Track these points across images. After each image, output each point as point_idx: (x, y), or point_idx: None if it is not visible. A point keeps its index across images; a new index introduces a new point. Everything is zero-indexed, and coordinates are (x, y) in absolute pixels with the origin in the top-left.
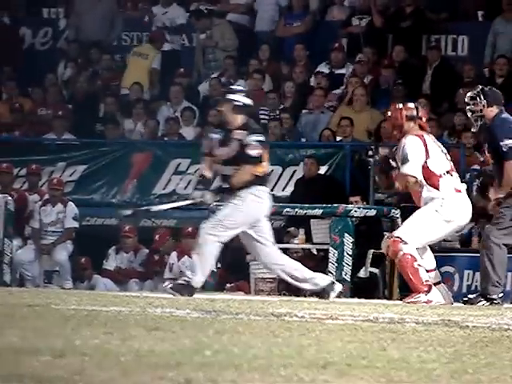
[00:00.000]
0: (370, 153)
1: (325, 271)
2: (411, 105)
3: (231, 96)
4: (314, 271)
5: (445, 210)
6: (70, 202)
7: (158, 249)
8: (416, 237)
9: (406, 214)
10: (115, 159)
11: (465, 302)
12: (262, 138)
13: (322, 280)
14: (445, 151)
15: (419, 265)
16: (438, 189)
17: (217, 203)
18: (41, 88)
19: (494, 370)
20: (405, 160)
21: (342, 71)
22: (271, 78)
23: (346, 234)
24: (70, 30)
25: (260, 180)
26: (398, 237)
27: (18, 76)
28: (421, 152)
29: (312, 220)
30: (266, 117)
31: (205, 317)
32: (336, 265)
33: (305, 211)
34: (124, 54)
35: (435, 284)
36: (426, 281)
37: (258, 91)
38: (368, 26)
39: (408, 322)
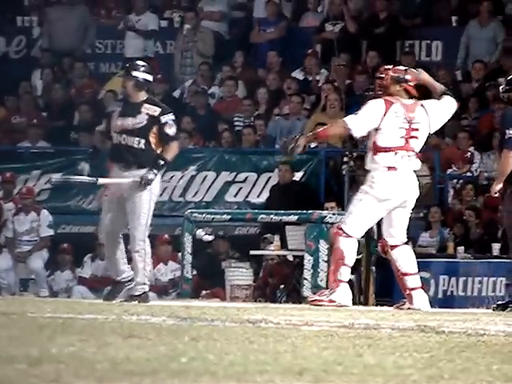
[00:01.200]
0: (345, 159)
1: (300, 277)
2: (400, 67)
3: (134, 73)
4: (290, 278)
5: (376, 189)
6: (44, 210)
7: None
8: (357, 226)
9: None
10: (90, 167)
11: (494, 309)
12: (173, 116)
13: None
14: (414, 127)
15: (345, 264)
16: (374, 161)
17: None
18: (15, 96)
19: (470, 376)
20: (354, 113)
21: (316, 77)
22: (245, 84)
23: (321, 240)
24: (44, 39)
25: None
26: (341, 228)
27: None
28: (374, 117)
29: (287, 226)
30: (241, 123)
31: (180, 324)
32: (311, 271)
33: (280, 218)
34: (98, 62)
35: (413, 289)
36: (340, 280)
37: (232, 97)
38: (342, 32)
39: (384, 327)
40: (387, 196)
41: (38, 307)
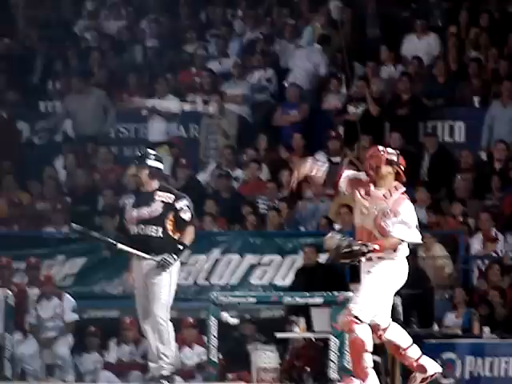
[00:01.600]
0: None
1: (326, 360)
2: (392, 150)
3: (149, 162)
4: (316, 360)
5: (399, 275)
6: (66, 295)
7: None
8: (371, 312)
9: (407, 300)
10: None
11: None
12: (188, 202)
13: None
14: None
15: (366, 350)
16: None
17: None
18: (39, 181)
19: None
20: (408, 225)
21: (339, 159)
22: (268, 166)
23: None
24: (66, 125)
25: None
26: (356, 316)
27: (16, 170)
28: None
29: (312, 308)
30: (265, 206)
31: None
32: (337, 353)
33: (305, 300)
34: (121, 146)
35: (419, 358)
36: (367, 367)
37: (256, 180)
38: (364, 114)
39: None
40: (402, 283)
41: None
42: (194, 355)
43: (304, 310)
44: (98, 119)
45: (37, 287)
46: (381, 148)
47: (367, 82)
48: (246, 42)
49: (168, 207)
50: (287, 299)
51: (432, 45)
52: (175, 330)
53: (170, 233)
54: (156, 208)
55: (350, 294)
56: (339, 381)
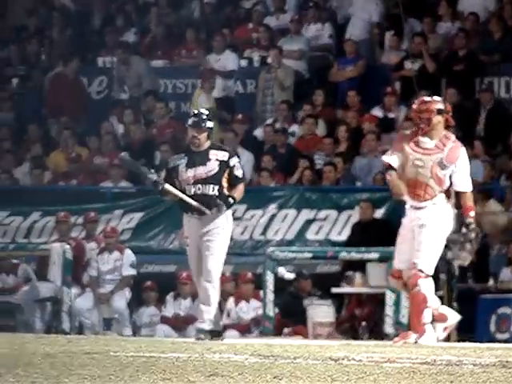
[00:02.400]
0: None
1: (382, 314)
2: (438, 98)
3: (208, 123)
4: (372, 315)
5: (449, 222)
6: (127, 250)
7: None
8: (433, 264)
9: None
10: (172, 206)
11: None
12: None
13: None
14: None
15: (427, 306)
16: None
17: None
18: (97, 136)
19: None
20: (468, 173)
21: (396, 115)
22: (325, 122)
23: None
24: (118, 82)
25: None
26: (421, 270)
27: (75, 125)
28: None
29: (368, 264)
30: (321, 161)
31: (263, 362)
32: (393, 308)
33: (361, 255)
34: (179, 101)
35: (426, 324)
36: (424, 323)
37: (312, 136)
38: (421, 70)
39: (466, 364)
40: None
41: (121, 346)
42: (250, 309)
43: (360, 266)
44: (140, 85)
45: (94, 241)
46: (428, 99)
47: (424, 37)
48: None
49: (223, 165)
50: (343, 254)
51: (488, 0)
52: (233, 285)
53: (225, 190)
54: (213, 167)
55: None
56: (396, 336)
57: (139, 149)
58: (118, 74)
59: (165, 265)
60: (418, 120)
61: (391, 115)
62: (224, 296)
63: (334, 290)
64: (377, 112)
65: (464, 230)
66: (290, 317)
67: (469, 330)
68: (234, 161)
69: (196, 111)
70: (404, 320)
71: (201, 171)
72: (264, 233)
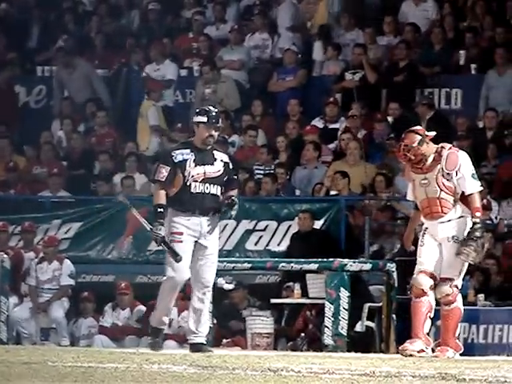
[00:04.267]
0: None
1: (321, 326)
2: (409, 136)
3: (220, 122)
4: (311, 326)
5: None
6: (66, 260)
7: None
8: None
9: (401, 267)
10: (110, 216)
11: None
12: None
13: None
14: None
15: (459, 321)
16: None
17: None
18: (35, 146)
19: None
20: (473, 175)
21: (336, 126)
22: (265, 133)
23: (341, 289)
24: (58, 90)
25: None
26: (456, 286)
27: (13, 134)
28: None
29: (308, 275)
30: (261, 172)
31: (201, 372)
32: (332, 319)
33: (300, 266)
34: (118, 110)
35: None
36: (458, 338)
37: (252, 146)
38: (361, 81)
39: (405, 375)
40: None
41: (59, 356)
42: None
43: (299, 276)
44: (86, 89)
45: (33, 251)
46: (403, 143)
47: (364, 48)
48: (243, 7)
49: (227, 167)
50: (282, 265)
51: (429, 12)
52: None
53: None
54: (219, 168)
55: (345, 260)
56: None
57: (79, 158)
58: (59, 81)
59: (103, 275)
60: (409, 165)
61: (332, 126)
62: None
63: (273, 300)
64: (317, 123)
65: (469, 229)
66: (229, 327)
67: None
68: (231, 163)
69: (207, 108)
70: (343, 331)
71: (210, 170)
72: None
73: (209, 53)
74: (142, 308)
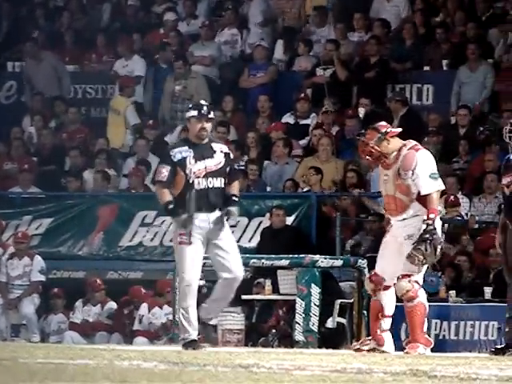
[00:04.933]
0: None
1: (292, 322)
2: (382, 123)
3: (212, 114)
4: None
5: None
6: (37, 256)
7: (129, 301)
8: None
9: (371, 263)
10: (81, 212)
11: (493, 353)
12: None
13: None
14: None
15: (426, 315)
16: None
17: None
18: (6, 142)
19: None
20: (430, 175)
21: (307, 121)
22: (236, 129)
23: (312, 285)
24: (28, 85)
25: None
26: (416, 281)
27: None
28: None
29: (279, 271)
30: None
31: (172, 369)
32: (303, 315)
33: (271, 262)
34: (89, 107)
35: (384, 331)
36: (425, 333)
37: (223, 142)
38: (332, 77)
39: (376, 372)
40: None
41: (30, 353)
42: (162, 315)
43: (270, 273)
44: (53, 83)
45: (1, 247)
46: (363, 139)
47: (336, 44)
48: (214, 3)
49: (227, 158)
50: (253, 261)
51: (400, 8)
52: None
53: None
54: (220, 159)
55: (316, 256)
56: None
57: (49, 154)
58: (27, 75)
59: (74, 271)
60: (374, 158)
61: (303, 122)
62: (136, 303)
63: (244, 297)
64: (288, 119)
65: (422, 231)
66: (200, 323)
67: None
68: (231, 154)
69: (198, 103)
70: (314, 328)
71: (210, 164)
72: None
73: (179, 48)
74: (113, 304)
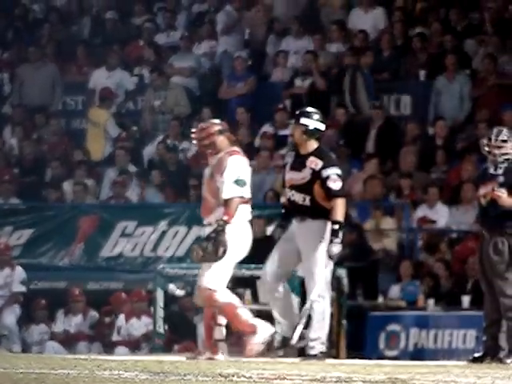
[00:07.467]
0: None
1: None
2: (216, 120)
3: (304, 120)
4: None
5: (239, 241)
6: (18, 266)
7: (110, 310)
8: (222, 279)
9: (353, 273)
10: (62, 223)
11: (471, 361)
12: (339, 170)
13: None
14: None
15: (237, 307)
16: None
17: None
18: None
19: None
20: (235, 181)
21: (286, 132)
22: None
23: (292, 294)
24: (15, 96)
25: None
26: (206, 288)
27: None
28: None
29: (258, 280)
30: None
31: (153, 378)
32: None
33: (251, 272)
34: (69, 118)
35: (220, 340)
36: (248, 319)
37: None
38: (311, 87)
39: (355, 380)
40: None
41: (11, 363)
42: (141, 326)
43: (250, 282)
44: (46, 91)
45: None
46: (205, 124)
47: (314, 55)
48: (193, 15)
49: (315, 175)
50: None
51: (378, 19)
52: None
53: (322, 202)
54: (305, 175)
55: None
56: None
57: (30, 165)
58: (21, 79)
59: (55, 281)
60: (203, 148)
61: (282, 132)
62: (115, 312)
63: None
64: (267, 129)
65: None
66: (180, 333)
67: (358, 347)
68: (327, 172)
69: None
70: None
71: (296, 177)
72: (155, 249)
73: (158, 60)
74: (94, 314)
